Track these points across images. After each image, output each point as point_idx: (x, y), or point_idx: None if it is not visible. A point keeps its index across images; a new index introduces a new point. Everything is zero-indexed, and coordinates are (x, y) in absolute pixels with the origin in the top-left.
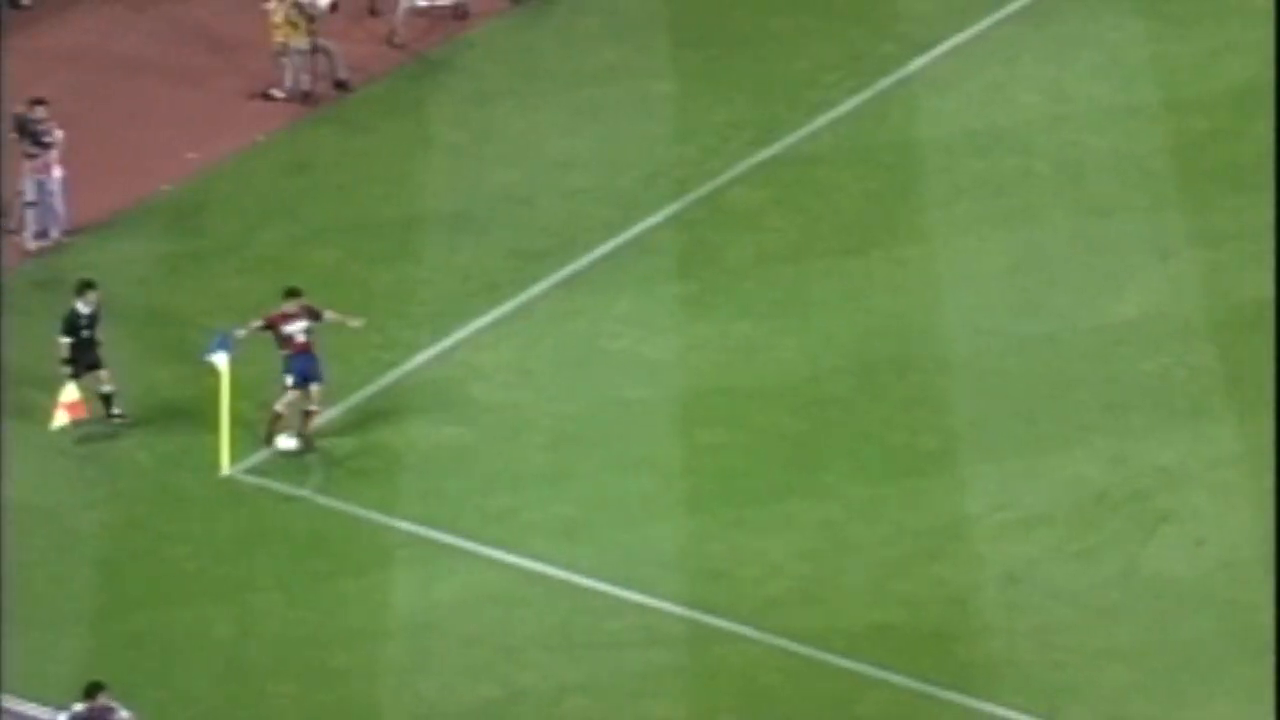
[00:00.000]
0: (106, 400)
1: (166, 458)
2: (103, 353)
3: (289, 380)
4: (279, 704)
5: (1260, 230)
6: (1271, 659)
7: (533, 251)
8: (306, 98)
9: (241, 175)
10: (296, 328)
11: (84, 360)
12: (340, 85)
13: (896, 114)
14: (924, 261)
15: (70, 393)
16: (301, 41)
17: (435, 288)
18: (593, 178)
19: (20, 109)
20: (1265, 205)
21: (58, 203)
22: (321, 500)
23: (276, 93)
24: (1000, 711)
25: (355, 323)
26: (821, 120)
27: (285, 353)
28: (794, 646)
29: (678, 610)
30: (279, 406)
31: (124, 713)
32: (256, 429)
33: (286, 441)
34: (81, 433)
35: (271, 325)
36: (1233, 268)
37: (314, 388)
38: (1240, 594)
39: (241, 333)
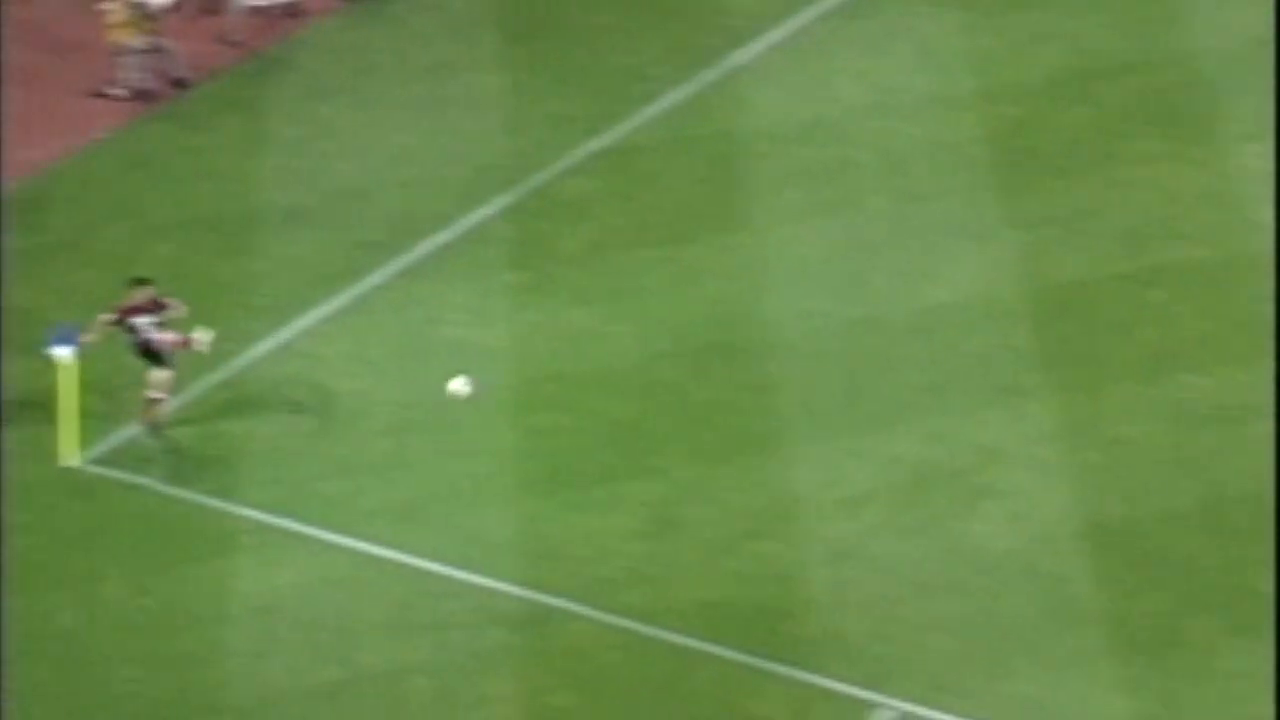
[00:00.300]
0: None
1: (10, 450)
2: None
3: (146, 359)
4: (125, 689)
5: (1072, 214)
6: (1092, 629)
7: (369, 243)
8: (145, 96)
9: (82, 173)
10: (143, 321)
11: None
12: (178, 83)
13: (721, 105)
14: (750, 248)
15: None
16: (140, 41)
17: (274, 280)
18: (427, 170)
19: None
20: (1076, 189)
21: None
22: (165, 489)
23: (115, 91)
24: (828, 683)
25: (177, 312)
26: (649, 112)
27: (132, 340)
28: (627, 624)
29: (514, 591)
30: (153, 393)
31: None
32: (100, 420)
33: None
34: None
35: (121, 318)
36: (1047, 250)
37: (160, 375)
38: (1057, 567)
39: (88, 338)
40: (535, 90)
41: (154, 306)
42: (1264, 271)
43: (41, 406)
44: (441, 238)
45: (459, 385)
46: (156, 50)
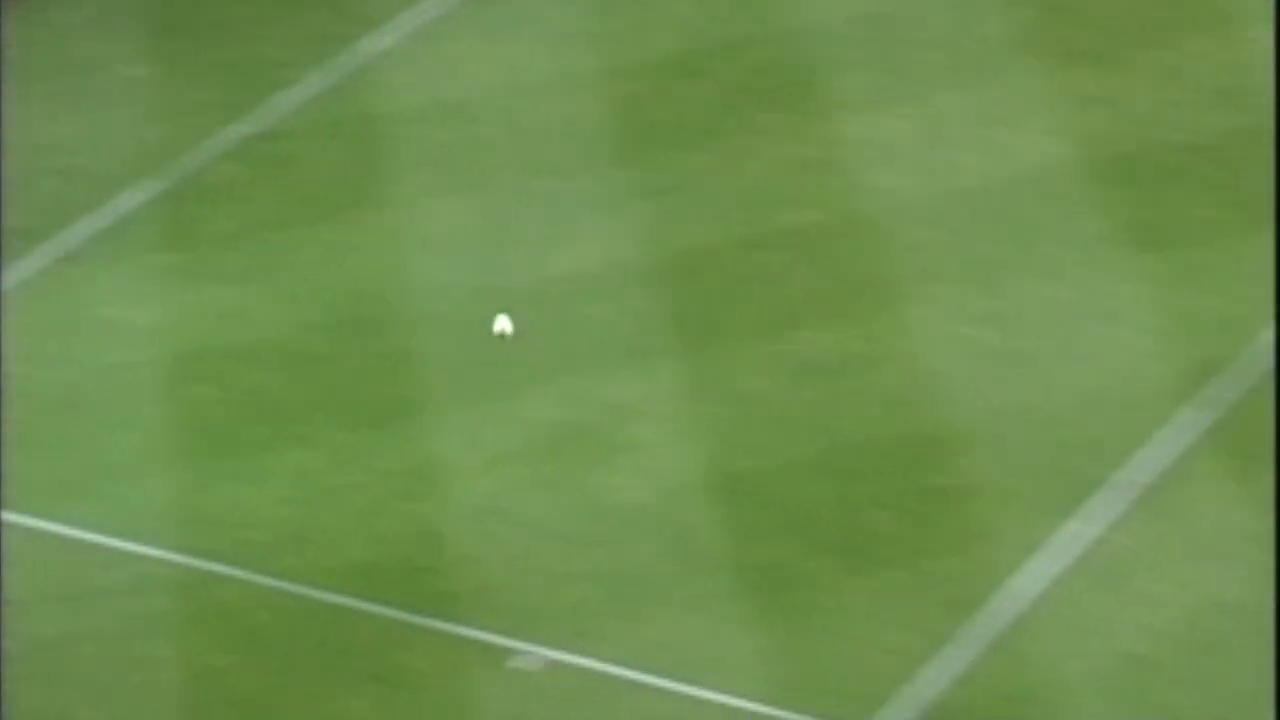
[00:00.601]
0: None
1: None
2: None
3: None
4: None
5: (692, 183)
6: (719, 574)
7: (24, 230)
8: None
9: None
10: None
11: None
12: None
13: (359, 91)
14: (393, 226)
15: None
16: None
17: None
18: (80, 159)
19: None
20: (696, 160)
21: None
22: None
23: None
24: (473, 634)
25: None
26: (291, 98)
27: None
28: (283, 586)
29: (174, 558)
30: None
31: None
32: None
33: None
34: None
35: None
36: (670, 218)
37: None
38: (687, 517)
39: None
40: (181, 80)
41: None
42: (870, 232)
43: None
44: (95, 223)
45: (504, 324)
46: None
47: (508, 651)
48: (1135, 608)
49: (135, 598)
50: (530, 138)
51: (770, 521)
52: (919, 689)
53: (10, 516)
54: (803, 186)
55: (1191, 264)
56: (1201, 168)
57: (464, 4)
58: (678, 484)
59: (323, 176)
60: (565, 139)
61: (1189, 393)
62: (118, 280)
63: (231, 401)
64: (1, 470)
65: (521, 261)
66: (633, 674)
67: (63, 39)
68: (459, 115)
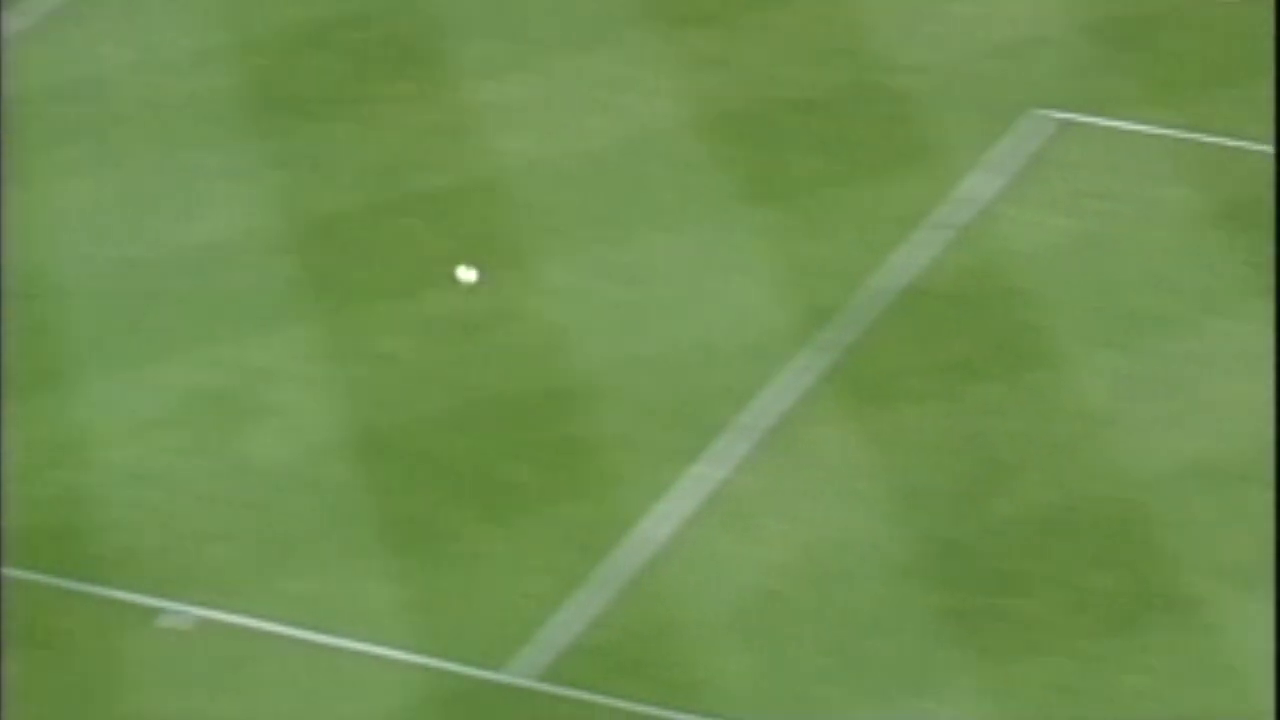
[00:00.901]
0: None
1: None
2: None
3: None
4: None
5: (325, 153)
6: (362, 529)
7: None
8: None
9: None
10: None
11: None
12: None
13: None
14: (34, 204)
15: None
16: None
17: None
18: None
19: None
20: (328, 130)
21: None
22: None
23: None
24: (122, 595)
25: None
26: None
27: None
28: None
29: None
30: None
31: None
32: None
33: None
34: None
35: None
36: (304, 187)
37: None
38: (328, 474)
39: None
40: None
41: None
42: (498, 194)
43: None
44: None
45: (467, 274)
46: None
47: (157, 611)
48: (760, 545)
49: None
50: (165, 112)
51: (410, 476)
52: (555, 632)
53: None
54: (432, 152)
55: (804, 215)
56: (811, 123)
57: None
58: (319, 443)
59: None
60: (200, 112)
61: (806, 338)
62: None
63: None
64: None
65: (160, 232)
66: (281, 628)
67: None
68: (95, 92)
